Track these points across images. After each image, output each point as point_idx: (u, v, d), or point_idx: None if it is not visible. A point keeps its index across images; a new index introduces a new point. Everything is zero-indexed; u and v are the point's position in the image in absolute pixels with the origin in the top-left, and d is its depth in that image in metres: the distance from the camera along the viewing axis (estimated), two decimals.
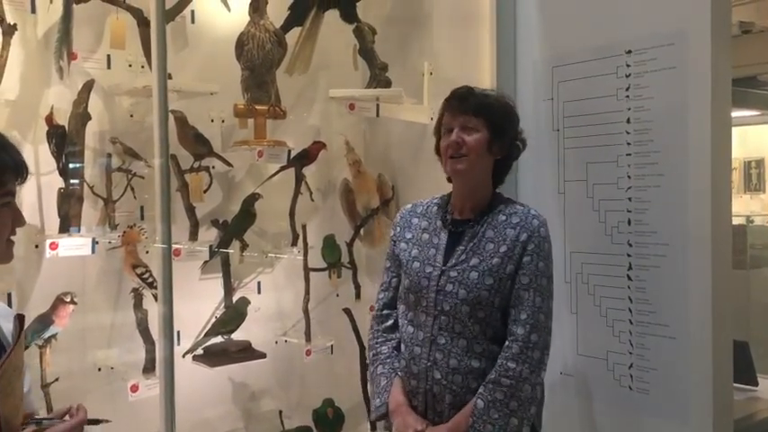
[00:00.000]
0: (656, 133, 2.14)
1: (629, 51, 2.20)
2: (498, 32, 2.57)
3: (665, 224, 2.12)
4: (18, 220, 1.38)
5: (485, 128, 1.89)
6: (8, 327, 1.42)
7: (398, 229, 2.06)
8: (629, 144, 2.21)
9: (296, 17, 2.82)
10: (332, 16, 2.86)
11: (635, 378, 2.20)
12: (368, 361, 2.95)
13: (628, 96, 2.20)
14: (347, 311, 3.01)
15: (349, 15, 2.87)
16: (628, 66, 2.20)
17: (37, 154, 2.50)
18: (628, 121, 2.21)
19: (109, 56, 2.65)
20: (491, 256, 1.87)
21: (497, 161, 1.95)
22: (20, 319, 1.42)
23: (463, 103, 1.91)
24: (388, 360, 2.00)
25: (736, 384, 2.25)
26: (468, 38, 2.71)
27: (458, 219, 1.97)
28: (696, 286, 2.04)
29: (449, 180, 2.01)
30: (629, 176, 2.21)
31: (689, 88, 2.05)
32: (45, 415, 1.47)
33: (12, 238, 1.39)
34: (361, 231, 3.08)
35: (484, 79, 2.57)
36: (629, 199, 2.21)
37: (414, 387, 1.93)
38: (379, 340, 2.05)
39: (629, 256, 2.21)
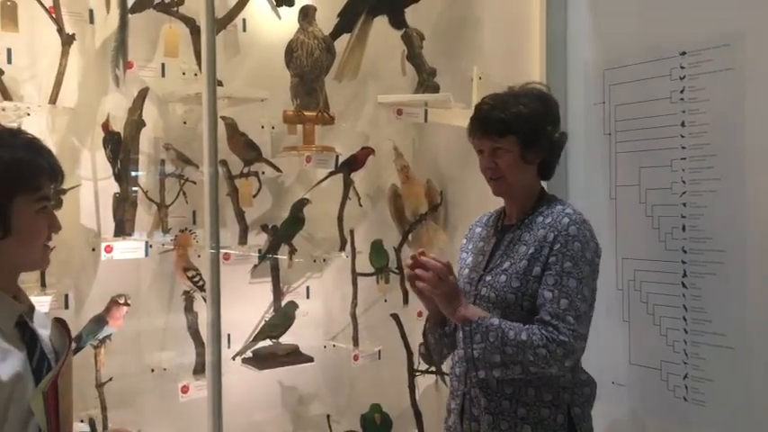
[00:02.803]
0: (712, 137, 2.07)
1: (684, 53, 2.14)
2: (548, 35, 2.53)
3: (721, 230, 2.05)
4: (54, 225, 1.38)
5: (514, 144, 1.84)
6: (45, 333, 1.42)
7: (465, 240, 2.08)
8: (683, 148, 2.15)
9: (345, 24, 2.85)
10: (380, 22, 2.87)
11: (690, 389, 2.13)
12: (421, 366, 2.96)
13: (682, 99, 2.15)
14: (395, 317, 3.00)
15: (397, 21, 2.87)
16: (682, 68, 2.15)
17: (94, 160, 2.58)
18: (682, 124, 2.15)
19: (163, 64, 2.72)
20: (520, 259, 1.84)
21: (542, 163, 1.91)
22: (62, 322, 1.44)
23: (485, 126, 1.87)
24: None
25: None
26: (518, 41, 2.68)
27: (508, 224, 1.96)
28: (754, 294, 1.97)
29: None
30: (683, 181, 2.15)
31: (747, 90, 1.98)
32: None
33: (48, 243, 1.39)
34: (410, 237, 3.07)
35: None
36: (684, 204, 2.14)
37: (455, 388, 1.94)
38: None
39: (683, 262, 2.15)
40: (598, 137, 2.40)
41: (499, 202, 2.03)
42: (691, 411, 2.12)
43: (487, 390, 1.83)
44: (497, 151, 1.86)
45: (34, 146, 1.34)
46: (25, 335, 1.35)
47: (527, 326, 1.77)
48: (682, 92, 2.15)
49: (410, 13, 2.90)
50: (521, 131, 1.84)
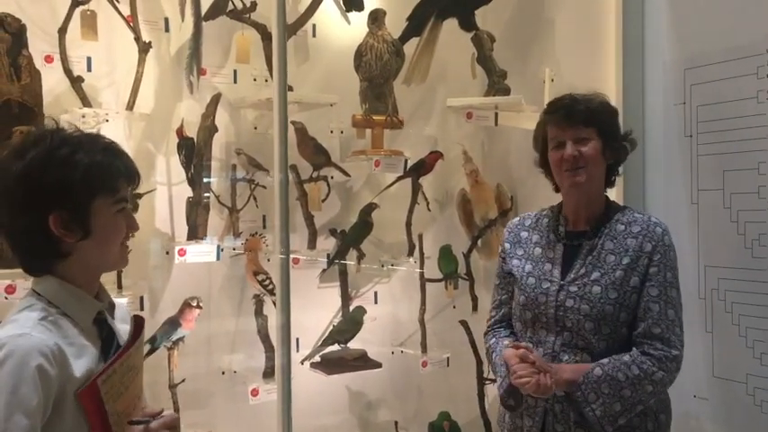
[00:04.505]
0: None
1: None
2: (625, 34, 2.46)
3: None
4: (132, 225, 1.41)
5: (596, 136, 1.82)
6: (125, 328, 1.46)
7: (508, 245, 1.99)
8: None
9: (414, 27, 2.83)
10: (450, 25, 2.84)
11: None
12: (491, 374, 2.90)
13: None
14: (464, 324, 2.96)
15: (467, 23, 2.84)
16: None
17: (169, 165, 2.63)
18: None
19: (235, 70, 2.76)
20: (613, 269, 1.77)
21: (610, 166, 1.88)
22: (137, 320, 1.46)
23: (571, 115, 1.82)
24: (498, 346, 1.91)
25: None
26: (593, 41, 2.61)
27: (572, 231, 1.89)
28: None
29: (556, 190, 1.94)
30: None
31: None
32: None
33: (126, 243, 1.42)
34: (479, 242, 3.02)
35: (609, 84, 2.47)
36: None
37: (531, 405, 1.83)
38: (491, 342, 1.97)
39: None
40: (678, 139, 2.31)
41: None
42: None
43: (577, 403, 1.75)
44: (582, 141, 1.81)
45: (111, 149, 1.38)
46: (102, 331, 1.39)
47: (627, 356, 1.73)
48: None
49: (480, 15, 2.87)
50: (603, 124, 1.83)
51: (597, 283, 1.77)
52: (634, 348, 1.75)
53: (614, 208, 1.89)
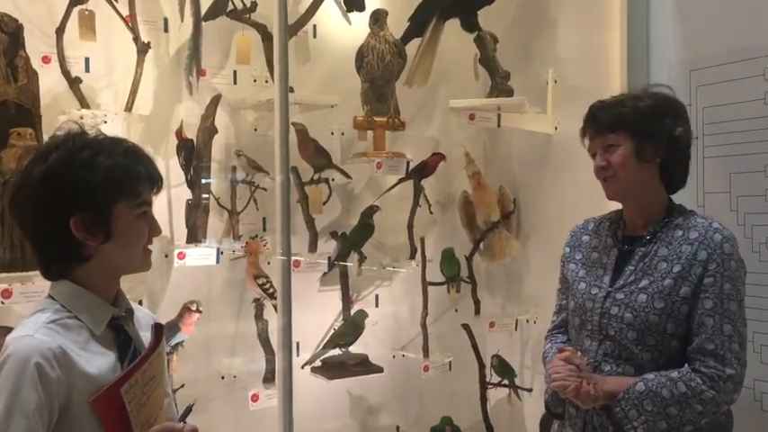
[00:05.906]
0: None
1: None
2: (629, 34, 2.43)
3: None
4: (154, 229, 1.42)
5: (627, 139, 1.73)
6: (146, 335, 1.45)
7: (568, 249, 1.94)
8: None
9: (416, 28, 2.81)
10: (452, 26, 2.81)
11: None
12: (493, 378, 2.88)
13: None
14: (466, 327, 2.93)
15: (470, 24, 2.81)
16: None
17: (168, 167, 2.59)
18: None
19: (235, 71, 2.73)
20: (663, 277, 1.69)
21: (664, 164, 1.76)
22: (158, 328, 1.46)
23: (595, 123, 1.78)
24: (551, 351, 1.88)
25: None
26: (596, 42, 2.58)
27: (630, 236, 1.82)
28: None
29: None
30: None
31: None
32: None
33: (149, 247, 1.43)
34: (481, 245, 3.00)
35: (613, 86, 2.44)
36: None
37: (573, 414, 1.79)
38: (546, 347, 1.94)
39: None
40: None
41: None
42: None
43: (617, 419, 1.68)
44: (609, 148, 1.75)
45: (133, 153, 1.39)
46: (119, 337, 1.38)
47: (675, 372, 1.65)
48: None
49: (483, 16, 2.84)
50: (633, 125, 1.73)
51: (644, 291, 1.70)
52: (686, 365, 1.66)
53: (678, 211, 1.79)
